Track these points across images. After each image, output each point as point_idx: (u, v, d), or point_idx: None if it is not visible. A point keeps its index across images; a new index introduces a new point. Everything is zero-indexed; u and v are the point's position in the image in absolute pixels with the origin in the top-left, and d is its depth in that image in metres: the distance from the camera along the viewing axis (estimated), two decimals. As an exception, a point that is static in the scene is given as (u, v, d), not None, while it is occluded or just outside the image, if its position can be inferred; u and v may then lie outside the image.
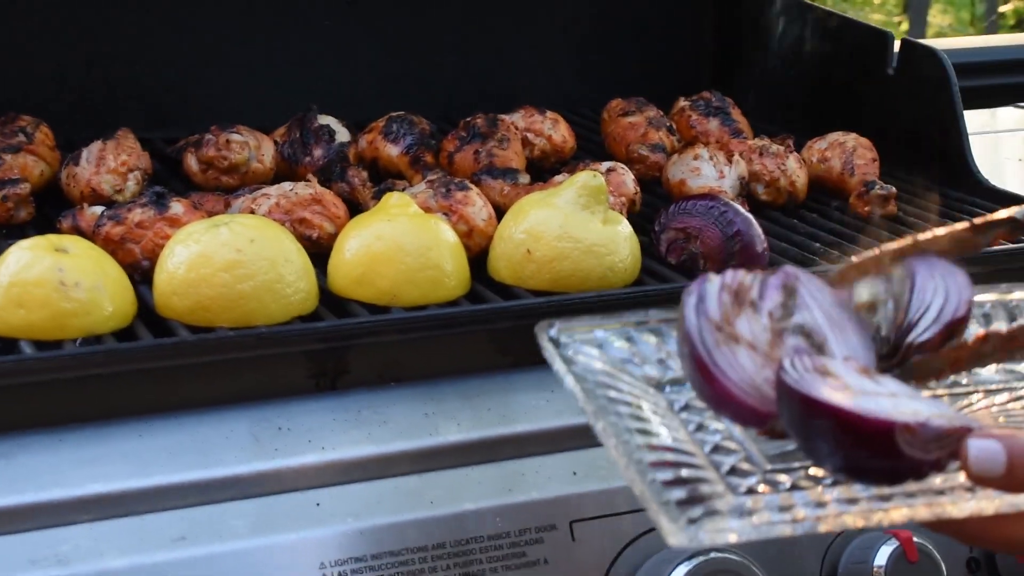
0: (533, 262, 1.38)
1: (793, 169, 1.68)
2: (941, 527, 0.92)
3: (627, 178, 1.60)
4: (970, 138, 1.74)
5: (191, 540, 1.10)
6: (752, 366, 0.96)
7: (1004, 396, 1.09)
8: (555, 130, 1.82)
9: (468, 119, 1.74)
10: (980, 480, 0.88)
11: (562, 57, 2.14)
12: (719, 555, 1.18)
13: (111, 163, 1.60)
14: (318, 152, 1.70)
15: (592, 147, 1.91)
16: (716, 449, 0.98)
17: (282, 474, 1.16)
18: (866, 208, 1.63)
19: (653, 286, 1.38)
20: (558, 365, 1.02)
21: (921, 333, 1.01)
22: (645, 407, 0.99)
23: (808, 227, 1.61)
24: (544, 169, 1.78)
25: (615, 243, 1.39)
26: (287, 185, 1.50)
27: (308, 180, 1.54)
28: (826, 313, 1.00)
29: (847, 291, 1.03)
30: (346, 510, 1.14)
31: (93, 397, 1.19)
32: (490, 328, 1.30)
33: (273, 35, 2.02)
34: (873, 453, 0.88)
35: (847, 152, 1.71)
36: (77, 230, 1.44)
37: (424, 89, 2.06)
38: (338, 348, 1.26)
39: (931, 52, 1.75)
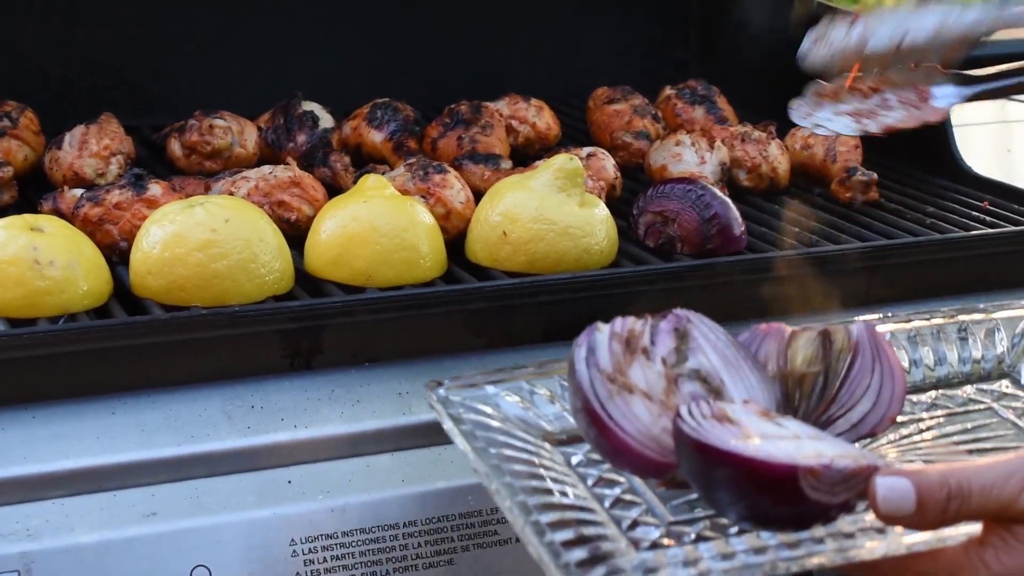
0: (509, 244, 1.38)
1: (775, 155, 1.68)
2: (854, 568, 0.89)
3: (607, 163, 1.60)
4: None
5: (162, 516, 1.10)
6: (648, 416, 0.93)
7: (910, 428, 1.07)
8: (539, 117, 1.82)
9: (452, 106, 1.74)
10: (890, 519, 0.85)
11: (550, 46, 2.14)
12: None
13: (93, 147, 1.60)
14: (301, 138, 1.70)
15: (578, 135, 1.90)
16: (617, 503, 0.95)
17: (254, 452, 1.17)
18: (848, 194, 1.63)
19: (628, 268, 1.38)
20: (448, 424, 0.99)
21: (837, 432, 0.98)
22: (542, 464, 0.96)
23: (789, 212, 1.61)
24: (529, 156, 1.77)
25: (591, 225, 1.39)
26: (266, 168, 1.50)
27: (287, 163, 1.54)
28: (721, 355, 0.96)
29: (782, 351, 1.00)
30: (317, 488, 1.14)
31: (66, 374, 1.19)
32: (464, 309, 1.30)
33: (264, 24, 2.02)
34: (777, 500, 0.84)
35: (830, 139, 1.71)
36: (57, 212, 1.45)
37: (413, 79, 2.05)
38: (312, 328, 1.26)
39: (916, 40, 1.75)
